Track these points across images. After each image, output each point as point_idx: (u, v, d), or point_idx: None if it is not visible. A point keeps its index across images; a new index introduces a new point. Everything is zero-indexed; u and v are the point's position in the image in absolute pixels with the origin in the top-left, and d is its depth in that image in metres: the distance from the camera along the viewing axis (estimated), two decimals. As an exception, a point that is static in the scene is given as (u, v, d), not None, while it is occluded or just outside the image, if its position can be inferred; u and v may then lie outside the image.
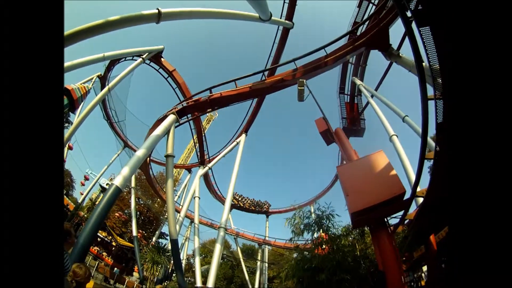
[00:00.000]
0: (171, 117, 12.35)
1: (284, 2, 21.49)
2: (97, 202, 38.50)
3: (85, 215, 32.67)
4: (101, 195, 41.24)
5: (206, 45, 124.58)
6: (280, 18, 20.47)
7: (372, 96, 19.15)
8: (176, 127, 12.72)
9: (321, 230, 10.53)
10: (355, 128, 27.14)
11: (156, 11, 10.90)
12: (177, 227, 17.47)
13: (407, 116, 15.85)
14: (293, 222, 11.12)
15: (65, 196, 36.77)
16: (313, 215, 11.40)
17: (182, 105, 13.55)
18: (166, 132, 11.91)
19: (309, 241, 11.10)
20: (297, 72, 13.52)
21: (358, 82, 22.35)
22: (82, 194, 34.78)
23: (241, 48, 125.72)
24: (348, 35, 17.98)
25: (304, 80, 11.76)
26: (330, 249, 9.65)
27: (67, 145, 30.09)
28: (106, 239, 31.88)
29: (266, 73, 17.01)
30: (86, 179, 33.74)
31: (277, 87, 13.65)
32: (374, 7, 19.83)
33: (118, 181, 9.17)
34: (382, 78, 19.19)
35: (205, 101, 13.39)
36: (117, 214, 35.22)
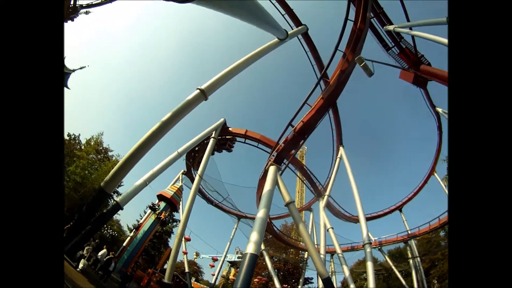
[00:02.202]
0: (272, 168, 12.36)
1: (283, 15, 22.03)
2: (230, 276, 40.77)
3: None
4: (231, 269, 43.56)
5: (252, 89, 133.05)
6: (292, 29, 20.70)
7: (411, 29, 18.11)
8: (280, 175, 12.69)
9: None
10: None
11: (198, 91, 11.35)
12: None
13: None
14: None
15: (196, 282, 39.98)
16: None
17: (276, 152, 13.65)
18: (275, 184, 11.86)
19: None
20: (347, 55, 12.81)
21: (391, 27, 21.20)
22: (213, 275, 36.81)
23: (283, 72, 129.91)
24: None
25: (360, 56, 11.03)
26: None
27: (183, 238, 33.23)
28: (251, 305, 32.49)
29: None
30: (214, 260, 35.94)
31: (343, 81, 12.99)
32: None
33: (251, 249, 9.10)
34: (403, 6, 18.46)
35: (293, 136, 13.32)
36: (255, 280, 36.04)
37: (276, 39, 16.39)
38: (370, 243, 16.94)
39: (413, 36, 19.46)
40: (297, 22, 21.81)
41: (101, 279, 15.68)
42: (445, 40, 13.92)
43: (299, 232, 11.48)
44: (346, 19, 13.69)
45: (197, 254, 41.82)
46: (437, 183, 33.71)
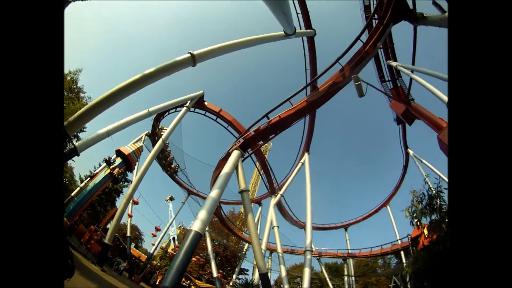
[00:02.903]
0: (236, 153, 12.14)
1: (297, 13, 21.75)
2: (169, 250, 40.46)
3: (158, 263, 34.04)
4: (171, 243, 43.18)
5: (240, 77, 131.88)
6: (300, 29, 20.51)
7: (412, 72, 18.17)
8: (242, 161, 12.57)
9: (434, 212, 9.18)
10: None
11: (189, 55, 10.98)
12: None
13: None
14: (412, 210, 9.75)
15: (135, 249, 39.04)
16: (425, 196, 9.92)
17: (243, 139, 13.49)
18: (235, 168, 11.73)
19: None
20: (344, 71, 12.97)
21: (394, 64, 21.59)
22: (153, 244, 36.29)
23: (274, 70, 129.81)
24: (371, 20, 17.59)
25: (357, 75, 11.21)
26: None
27: (131, 201, 32.37)
28: (184, 283, 32.52)
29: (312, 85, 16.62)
30: (158, 230, 35.20)
31: (331, 92, 13.13)
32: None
33: (196, 226, 8.79)
34: (414, 50, 18.67)
35: (265, 128, 13.20)
36: (194, 259, 36.13)
37: (282, 32, 16.23)
38: (312, 251, 17.51)
39: (411, 79, 19.87)
40: (308, 25, 21.61)
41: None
42: (442, 95, 14.17)
43: (246, 222, 11.46)
44: (358, 38, 13.86)
45: (171, 198, 40.44)
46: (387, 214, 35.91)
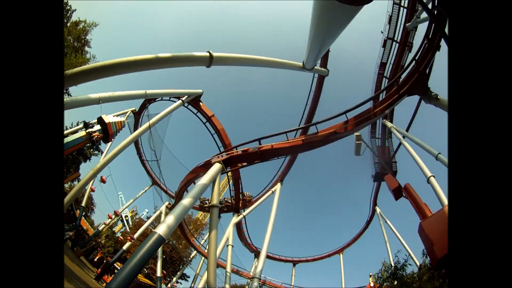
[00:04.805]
0: (217, 166, 11.90)
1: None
2: (116, 229, 38.60)
3: (102, 241, 32.55)
4: (119, 223, 41.25)
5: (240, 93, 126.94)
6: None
7: (404, 137, 18.46)
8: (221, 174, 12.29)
9: (395, 281, 10.41)
10: (387, 172, 26.17)
11: (208, 54, 10.69)
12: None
13: (440, 153, 14.75)
14: (377, 277, 10.85)
15: (84, 218, 36.94)
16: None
17: (230, 155, 13.28)
18: (212, 181, 11.48)
19: None
20: (348, 124, 13.19)
21: (389, 125, 21.97)
22: (105, 224, 34.85)
23: (275, 98, 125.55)
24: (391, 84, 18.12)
25: (361, 134, 11.60)
26: None
27: (100, 178, 31.01)
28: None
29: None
30: (117, 215, 33.90)
31: (329, 140, 13.25)
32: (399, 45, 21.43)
33: (161, 230, 8.21)
34: (412, 119, 18.95)
35: (254, 152, 13.07)
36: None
37: (301, 64, 16.48)
38: (259, 279, 17.48)
39: (400, 143, 19.89)
40: (324, 63, 21.76)
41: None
42: (426, 170, 14.53)
43: (209, 237, 11.00)
44: (371, 98, 14.35)
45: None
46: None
